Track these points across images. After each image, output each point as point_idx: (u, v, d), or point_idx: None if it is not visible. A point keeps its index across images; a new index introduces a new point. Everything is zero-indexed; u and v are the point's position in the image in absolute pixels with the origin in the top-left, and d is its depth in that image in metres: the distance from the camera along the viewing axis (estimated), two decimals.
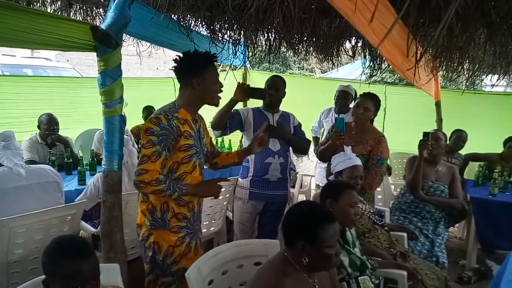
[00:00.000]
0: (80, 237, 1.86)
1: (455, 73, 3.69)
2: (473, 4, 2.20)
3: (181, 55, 1.90)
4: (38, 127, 3.62)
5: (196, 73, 1.85)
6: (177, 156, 1.86)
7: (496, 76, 3.83)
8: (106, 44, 1.90)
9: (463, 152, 4.28)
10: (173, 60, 1.90)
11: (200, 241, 2.12)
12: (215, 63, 1.92)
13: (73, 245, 1.28)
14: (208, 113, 2.07)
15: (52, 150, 3.54)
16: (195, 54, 1.88)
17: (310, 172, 4.78)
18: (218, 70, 1.97)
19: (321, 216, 1.49)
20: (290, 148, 2.86)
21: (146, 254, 1.96)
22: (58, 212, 2.30)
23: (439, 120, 4.76)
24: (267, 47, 4.10)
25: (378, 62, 4.15)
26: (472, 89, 6.48)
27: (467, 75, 3.95)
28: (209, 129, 2.39)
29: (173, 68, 1.90)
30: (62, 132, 3.75)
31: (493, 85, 4.37)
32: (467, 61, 3.49)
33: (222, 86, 1.94)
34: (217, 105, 2.00)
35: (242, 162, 2.41)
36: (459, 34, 2.71)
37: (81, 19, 3.58)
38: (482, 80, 5.10)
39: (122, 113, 2.06)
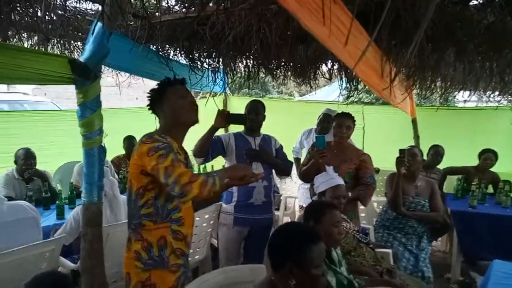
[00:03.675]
0: (61, 273, 1.80)
1: (428, 91, 3.84)
2: (441, 25, 2.33)
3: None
4: (15, 162, 3.54)
5: (159, 100, 1.84)
6: None
7: (467, 92, 3.99)
8: (84, 77, 1.90)
9: (441, 166, 4.38)
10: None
11: (189, 280, 1.91)
12: (180, 85, 1.86)
13: (54, 283, 1.24)
14: (190, 141, 2.05)
15: (29, 185, 3.45)
16: (156, 85, 1.89)
17: (293, 194, 4.78)
18: (198, 98, 1.95)
19: (308, 236, 1.49)
20: (273, 170, 2.87)
21: None
22: (36, 249, 2.22)
23: (416, 137, 4.89)
24: (246, 73, 4.18)
25: (354, 83, 4.28)
26: (445, 105, 6.71)
27: (440, 92, 4.12)
28: (191, 157, 2.32)
29: (147, 107, 1.90)
30: (41, 166, 3.68)
31: (465, 101, 4.55)
32: (439, 79, 3.64)
33: (190, 101, 1.84)
34: (194, 122, 1.85)
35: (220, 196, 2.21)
36: (430, 54, 2.83)
37: (58, 52, 3.59)
38: (455, 96, 5.30)
39: (102, 144, 2.05)
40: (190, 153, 2.07)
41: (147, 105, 1.90)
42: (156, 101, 1.86)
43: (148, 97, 1.88)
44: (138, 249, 1.74)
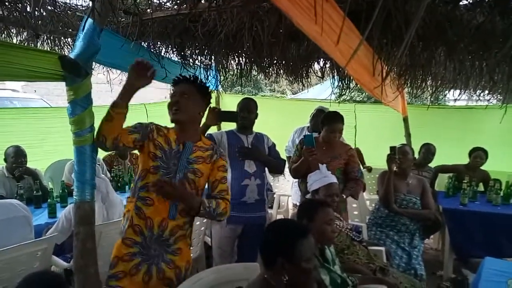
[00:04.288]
0: (54, 272, 1.79)
1: (419, 90, 3.86)
2: (432, 24, 2.34)
3: None
4: (5, 160, 3.50)
5: None
6: (147, 164, 1.88)
7: (458, 91, 4.01)
8: (75, 74, 1.87)
9: (432, 164, 4.42)
10: None
11: (161, 273, 1.83)
12: (183, 83, 1.97)
13: (47, 283, 1.23)
14: None
15: (20, 183, 3.41)
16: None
17: (287, 192, 4.79)
18: None
19: (296, 230, 1.51)
20: (266, 168, 2.87)
21: None
22: (28, 248, 2.20)
23: (408, 135, 4.92)
24: (238, 71, 4.16)
25: (346, 82, 4.29)
26: (436, 104, 6.76)
27: (431, 91, 4.14)
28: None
29: None
30: (31, 164, 3.64)
31: (455, 100, 4.58)
32: (430, 77, 3.67)
33: (171, 102, 1.97)
34: (171, 120, 1.96)
35: None
36: (421, 53, 2.85)
37: (48, 49, 3.54)
38: (445, 95, 5.34)
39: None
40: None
41: None
42: None
43: None
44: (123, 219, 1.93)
